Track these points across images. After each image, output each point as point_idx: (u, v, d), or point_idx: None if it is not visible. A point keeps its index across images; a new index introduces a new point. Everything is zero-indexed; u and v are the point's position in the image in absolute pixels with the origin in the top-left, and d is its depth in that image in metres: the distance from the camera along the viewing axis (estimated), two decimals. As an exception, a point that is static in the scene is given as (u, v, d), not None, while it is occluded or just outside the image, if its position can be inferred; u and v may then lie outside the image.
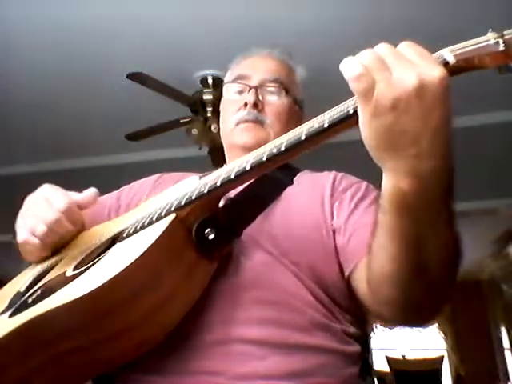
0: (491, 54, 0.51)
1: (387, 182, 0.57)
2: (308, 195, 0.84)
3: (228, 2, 2.36)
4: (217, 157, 2.79)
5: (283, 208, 0.81)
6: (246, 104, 0.96)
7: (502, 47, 0.50)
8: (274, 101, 0.98)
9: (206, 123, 2.88)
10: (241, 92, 1.00)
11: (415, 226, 0.58)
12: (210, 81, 2.86)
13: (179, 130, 2.98)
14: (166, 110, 2.86)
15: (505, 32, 0.51)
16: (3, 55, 2.63)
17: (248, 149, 0.86)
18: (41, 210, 0.78)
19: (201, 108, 2.88)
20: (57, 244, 0.81)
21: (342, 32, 2.46)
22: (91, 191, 0.82)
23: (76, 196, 0.82)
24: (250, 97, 0.96)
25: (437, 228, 0.58)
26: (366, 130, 0.54)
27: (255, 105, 0.95)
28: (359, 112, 0.54)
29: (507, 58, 0.51)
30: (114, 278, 0.58)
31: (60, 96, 2.98)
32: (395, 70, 0.51)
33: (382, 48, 0.54)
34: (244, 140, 0.94)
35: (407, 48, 0.53)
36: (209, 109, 2.86)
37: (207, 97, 2.86)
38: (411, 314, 0.70)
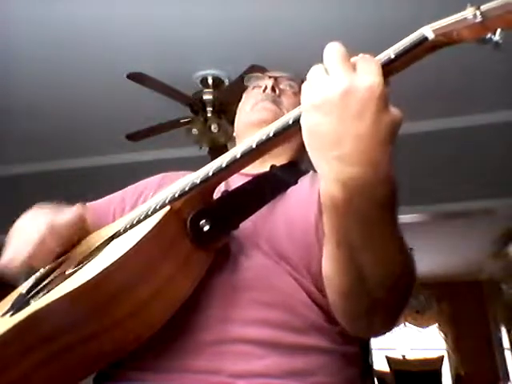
0: (469, 27, 0.52)
1: (320, 184, 0.57)
2: (306, 196, 0.84)
3: (228, 2, 2.36)
4: (217, 157, 2.79)
5: (283, 208, 0.81)
6: (265, 89, 1.00)
7: (479, 19, 0.52)
8: (291, 93, 1.02)
9: (206, 123, 2.88)
10: (260, 87, 1.03)
11: (346, 234, 0.58)
12: (209, 81, 2.86)
13: (179, 130, 2.98)
14: (166, 110, 2.87)
15: (482, 6, 0.53)
16: (3, 55, 2.63)
17: (265, 125, 0.86)
18: (25, 234, 0.77)
19: (201, 108, 2.88)
20: (55, 252, 0.80)
21: (342, 33, 2.46)
22: (75, 212, 0.79)
23: (60, 218, 0.78)
24: (268, 82, 1.01)
25: (370, 241, 0.57)
26: (301, 126, 0.56)
27: (273, 89, 1.00)
28: None
29: (484, 29, 0.52)
30: (106, 269, 0.59)
31: (60, 96, 2.98)
32: (332, 73, 0.54)
33: (332, 49, 0.55)
34: (262, 115, 0.95)
35: (360, 58, 0.55)
36: (209, 109, 2.86)
37: (207, 97, 2.86)
38: (355, 325, 0.70)
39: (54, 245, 0.77)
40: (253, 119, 0.97)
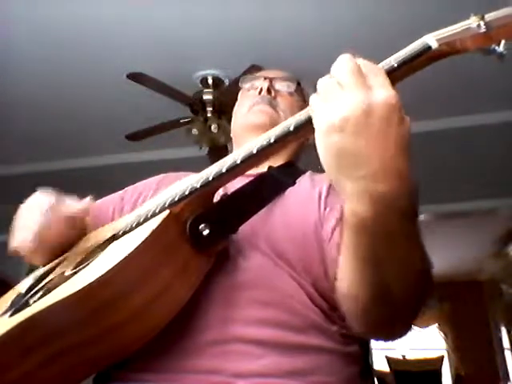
0: (473, 37, 0.52)
1: (345, 202, 0.57)
2: (306, 197, 0.83)
3: (228, 2, 2.36)
4: (217, 157, 2.79)
5: (282, 209, 0.81)
6: (260, 91, 1.00)
7: (483, 29, 0.51)
8: (286, 94, 1.02)
9: (205, 123, 2.88)
10: (255, 88, 1.03)
11: (371, 248, 0.58)
12: (209, 81, 2.86)
13: (179, 130, 2.98)
14: (166, 110, 2.87)
15: (486, 15, 0.52)
16: (3, 55, 2.63)
17: (262, 128, 0.86)
18: (28, 219, 0.78)
19: (201, 108, 2.88)
20: (56, 247, 0.81)
21: (341, 33, 2.46)
22: (87, 201, 0.82)
23: (70, 204, 0.81)
24: (264, 84, 1.01)
25: (395, 252, 0.58)
26: (318, 146, 0.55)
27: (268, 91, 1.00)
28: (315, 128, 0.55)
29: (488, 39, 0.51)
30: (105, 273, 0.59)
31: (60, 96, 2.98)
32: (348, 89, 0.52)
33: (344, 62, 0.54)
34: (258, 119, 0.96)
35: (365, 67, 0.54)
36: (209, 109, 2.86)
37: (207, 97, 2.86)
38: (377, 331, 0.71)
39: (56, 231, 0.78)
40: (249, 122, 0.97)
